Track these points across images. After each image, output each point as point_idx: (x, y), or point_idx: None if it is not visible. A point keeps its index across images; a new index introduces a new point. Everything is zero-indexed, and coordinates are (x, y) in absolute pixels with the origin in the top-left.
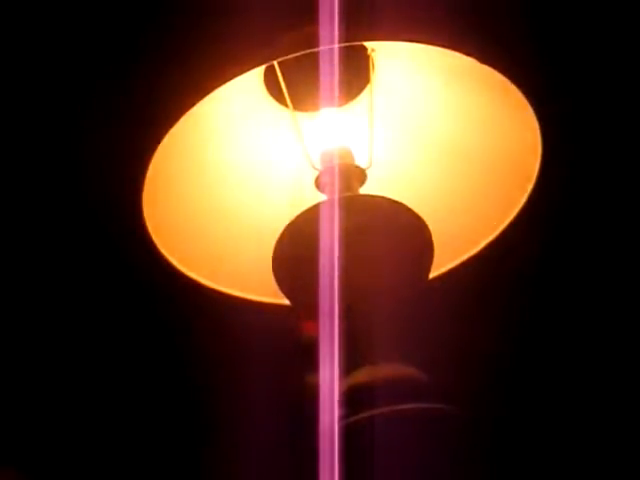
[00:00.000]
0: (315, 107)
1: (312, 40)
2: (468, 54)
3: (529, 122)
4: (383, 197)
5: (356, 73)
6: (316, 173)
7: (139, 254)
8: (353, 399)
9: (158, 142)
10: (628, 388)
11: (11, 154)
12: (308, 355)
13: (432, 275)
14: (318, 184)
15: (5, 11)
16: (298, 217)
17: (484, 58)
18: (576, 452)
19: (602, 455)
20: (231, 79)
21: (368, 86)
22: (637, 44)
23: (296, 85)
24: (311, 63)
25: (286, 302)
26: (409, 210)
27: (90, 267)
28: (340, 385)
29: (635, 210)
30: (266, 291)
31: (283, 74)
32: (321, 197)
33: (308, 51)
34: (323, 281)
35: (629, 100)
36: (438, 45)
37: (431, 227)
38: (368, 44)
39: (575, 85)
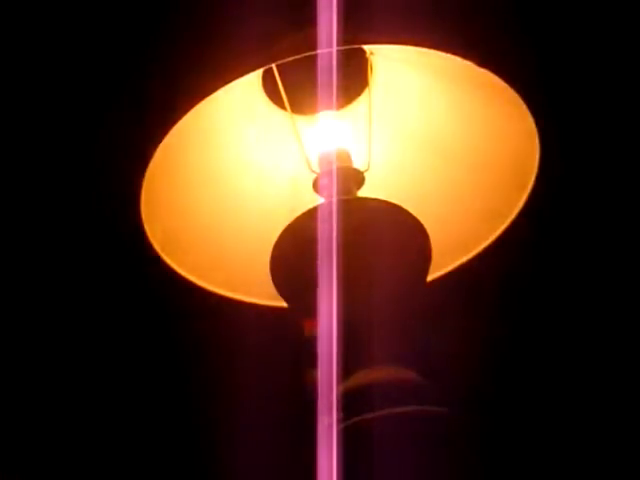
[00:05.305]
0: (313, 110)
1: (310, 43)
2: (466, 57)
3: (527, 125)
4: (381, 200)
5: (354, 76)
6: (314, 176)
7: (137, 256)
8: (351, 401)
9: (156, 144)
10: (627, 386)
11: (10, 155)
12: (307, 355)
13: (430, 278)
14: (316, 187)
15: (7, 12)
16: (296, 220)
17: (482, 61)
18: (574, 451)
19: (598, 455)
20: (230, 82)
21: (366, 89)
22: (634, 42)
23: (294, 88)
24: (309, 66)
25: (284, 304)
26: (407, 213)
27: (88, 268)
28: (338, 387)
29: (634, 210)
30: (264, 293)
31: (281, 77)
32: (319, 200)
33: (307, 54)
34: (321, 283)
35: (626, 99)
36: (436, 48)
37: (429, 230)
38: (366, 47)
39: (573, 88)
